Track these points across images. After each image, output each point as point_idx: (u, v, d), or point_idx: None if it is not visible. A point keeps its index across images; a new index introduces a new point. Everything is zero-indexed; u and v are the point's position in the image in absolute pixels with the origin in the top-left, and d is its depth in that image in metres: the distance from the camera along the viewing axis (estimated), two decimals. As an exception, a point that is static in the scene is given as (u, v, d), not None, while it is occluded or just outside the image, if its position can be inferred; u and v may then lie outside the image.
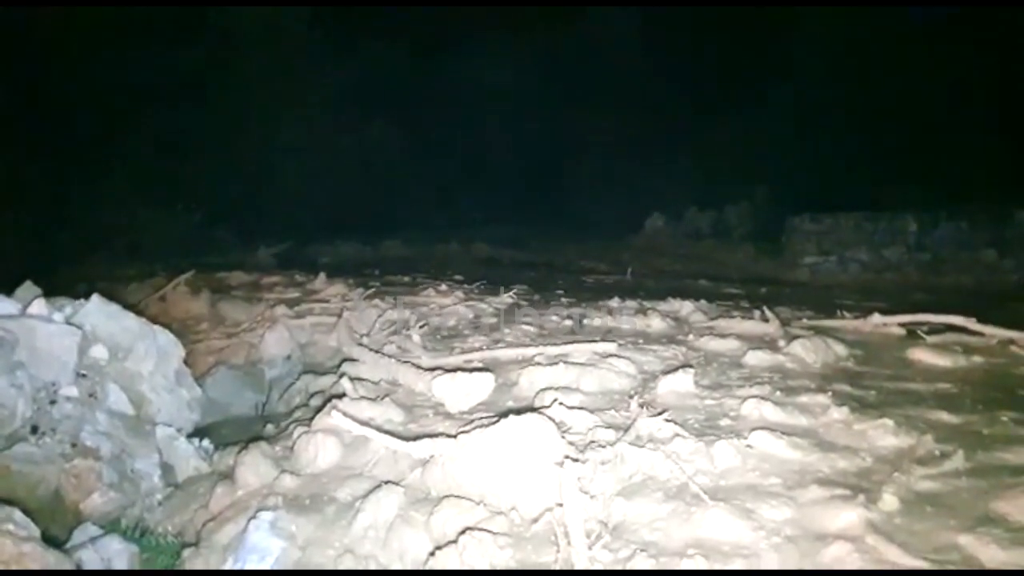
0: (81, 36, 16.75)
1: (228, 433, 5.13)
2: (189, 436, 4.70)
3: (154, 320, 5.24)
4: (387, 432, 3.73)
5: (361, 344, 5.37)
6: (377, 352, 5.00)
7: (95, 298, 4.77)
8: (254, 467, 3.86)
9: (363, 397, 4.31)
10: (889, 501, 2.51)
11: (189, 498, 4.11)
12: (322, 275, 7.96)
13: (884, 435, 3.13)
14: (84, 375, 4.30)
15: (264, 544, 3.16)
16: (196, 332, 6.64)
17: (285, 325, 6.32)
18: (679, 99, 23.53)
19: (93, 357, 4.44)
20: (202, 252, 13.70)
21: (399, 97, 25.94)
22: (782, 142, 19.59)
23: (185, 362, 5.24)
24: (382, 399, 4.27)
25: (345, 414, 3.73)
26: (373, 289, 7.12)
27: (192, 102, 19.01)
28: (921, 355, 4.48)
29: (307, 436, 3.96)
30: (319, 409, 4.23)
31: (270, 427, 4.82)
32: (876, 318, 5.29)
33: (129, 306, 5.15)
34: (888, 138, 18.05)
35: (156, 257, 12.77)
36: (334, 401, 4.08)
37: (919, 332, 4.94)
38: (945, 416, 3.35)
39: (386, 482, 3.45)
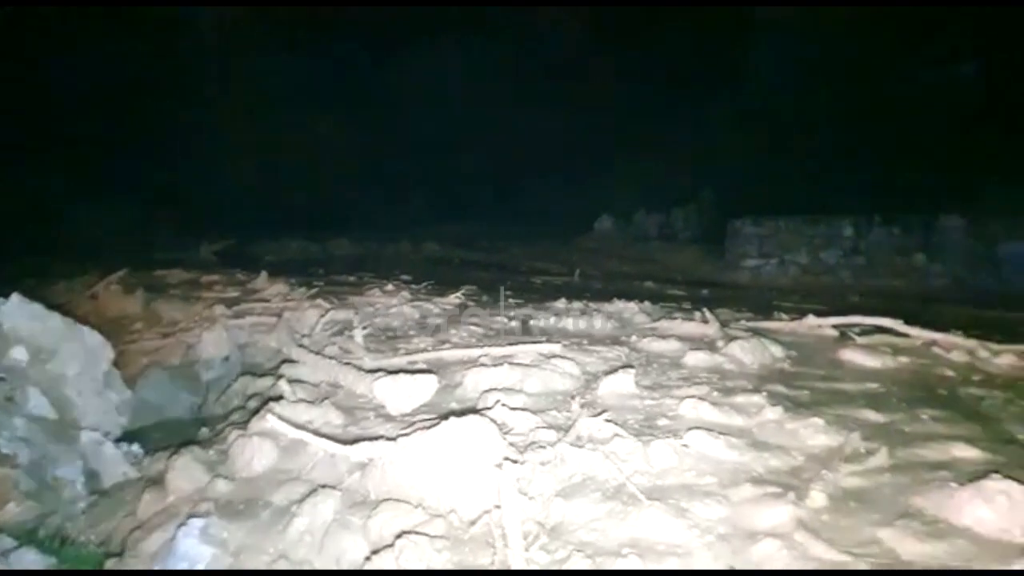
0: (23, 33, 16.10)
1: (161, 437, 4.97)
2: (118, 441, 4.54)
3: (84, 320, 5.04)
4: (326, 435, 3.67)
5: (302, 345, 5.27)
6: (318, 353, 4.91)
7: (15, 297, 4.56)
8: (186, 472, 3.75)
9: (302, 399, 4.23)
10: (817, 498, 2.57)
11: (115, 505, 3.96)
12: (263, 274, 7.80)
13: (815, 434, 3.21)
14: (2, 378, 4.10)
15: (194, 552, 3.07)
16: (129, 332, 6.42)
17: (224, 325, 6.16)
18: (629, 103, 23.85)
19: (13, 359, 4.25)
20: (141, 249, 13.29)
21: (350, 94, 25.65)
22: (727, 147, 20.02)
23: (116, 364, 5.05)
24: (321, 401, 4.20)
25: (281, 417, 3.65)
26: (317, 289, 7.01)
27: (136, 97, 18.45)
28: (852, 356, 4.62)
29: (243, 439, 3.86)
30: (256, 412, 4.13)
31: (205, 430, 4.69)
32: (811, 320, 5.45)
33: (56, 305, 4.94)
34: (827, 145, 18.62)
35: (91, 254, 12.33)
36: (271, 404, 3.99)
37: (850, 334, 5.10)
38: (872, 415, 3.46)
39: (324, 486, 3.38)
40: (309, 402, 4.16)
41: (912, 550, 2.22)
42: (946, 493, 2.50)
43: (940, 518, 2.39)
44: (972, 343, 4.84)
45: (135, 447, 4.54)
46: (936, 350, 4.81)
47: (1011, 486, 2.38)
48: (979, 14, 18.35)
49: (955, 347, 4.83)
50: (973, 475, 2.55)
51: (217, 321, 6.20)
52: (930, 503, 2.46)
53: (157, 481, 3.89)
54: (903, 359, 4.59)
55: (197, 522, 3.21)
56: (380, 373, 4.27)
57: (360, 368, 4.50)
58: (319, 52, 23.87)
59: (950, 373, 4.37)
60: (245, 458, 3.78)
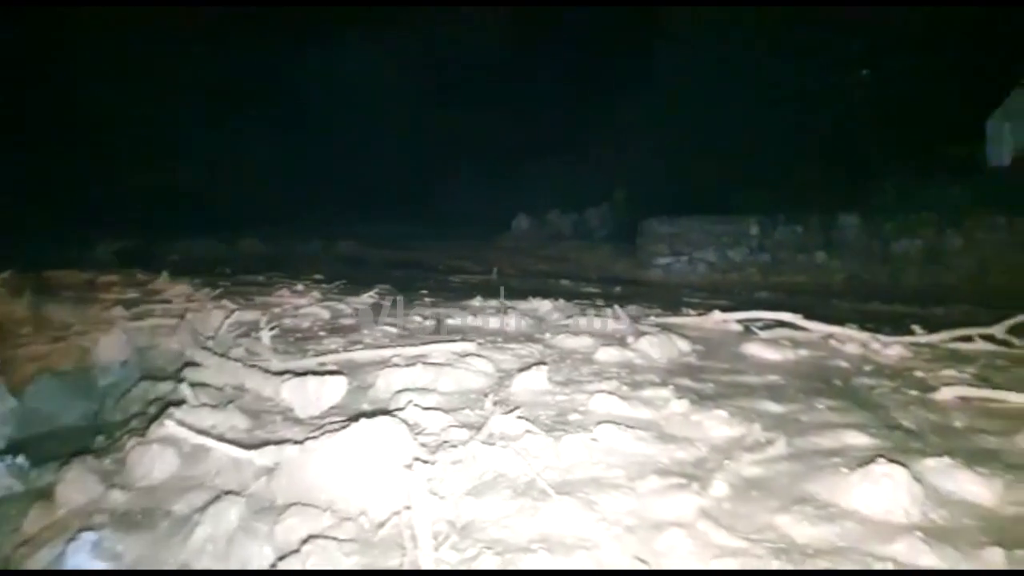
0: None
1: (51, 447, 4.66)
2: (1, 453, 4.23)
3: (-38, 325, 4.69)
4: (231, 440, 3.54)
5: (206, 347, 5.07)
6: (223, 356, 4.74)
7: None
8: (78, 483, 3.54)
9: (205, 404, 4.07)
10: (719, 487, 2.66)
11: (-1, 521, 3.70)
12: (165, 274, 7.46)
13: (718, 425, 3.33)
14: None
15: (85, 567, 2.89)
16: (16, 337, 6.01)
17: (122, 328, 5.86)
18: (545, 104, 24.12)
19: None
20: (33, 249, 12.48)
21: (263, 92, 24.92)
22: (639, 148, 20.54)
23: (-1, 371, 4.73)
24: (226, 405, 4.05)
25: (182, 423, 3.50)
26: (222, 289, 6.77)
27: (35, 91, 17.32)
28: (754, 349, 4.82)
29: (141, 447, 3.68)
30: (156, 418, 3.94)
31: (101, 439, 4.44)
32: (717, 315, 5.64)
33: (-70, 309, 4.57)
34: (735, 146, 19.37)
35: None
36: (171, 409, 3.82)
37: (753, 328, 5.32)
38: (772, 406, 3.61)
39: (228, 492, 3.26)
40: (213, 406, 4.01)
41: (806, 533, 2.32)
42: (837, 478, 2.63)
43: (832, 502, 2.51)
44: (865, 336, 5.14)
45: (20, 459, 4.24)
46: (833, 343, 5.08)
47: (895, 469, 2.52)
48: (874, 23, 19.47)
49: (850, 340, 5.12)
50: (862, 460, 2.69)
51: (115, 324, 5.89)
52: (823, 488, 2.59)
53: (46, 494, 3.65)
54: (802, 352, 4.82)
55: (89, 536, 3.03)
56: (288, 375, 4.16)
57: (267, 370, 4.36)
58: (231, 47, 23.06)
59: (845, 364, 4.62)
60: (144, 466, 3.60)
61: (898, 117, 19.75)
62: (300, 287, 6.98)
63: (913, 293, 11.44)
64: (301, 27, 24.89)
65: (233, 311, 5.87)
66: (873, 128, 19.33)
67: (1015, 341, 5.25)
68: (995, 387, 3.90)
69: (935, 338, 5.25)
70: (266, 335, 5.09)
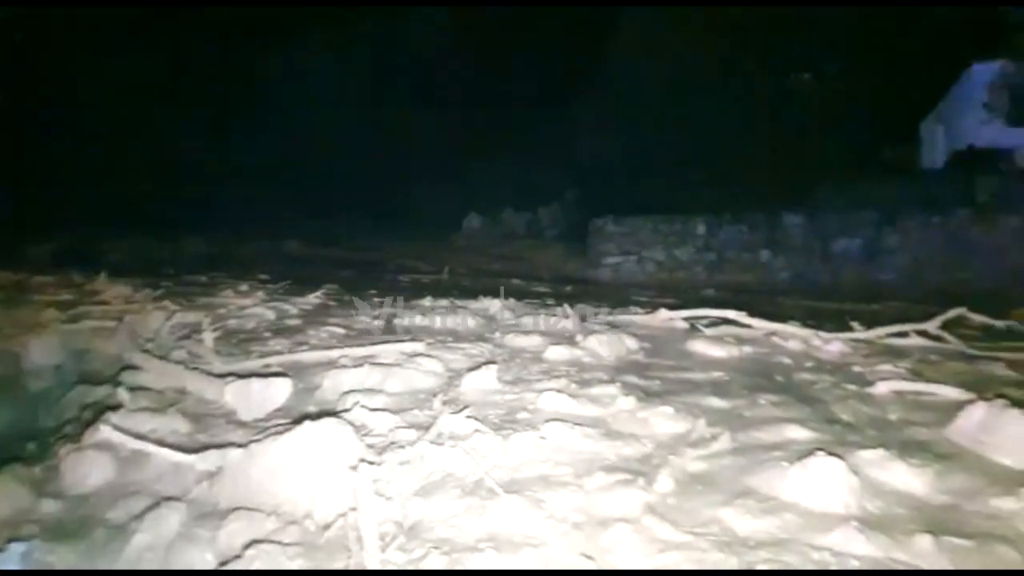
0: None
1: (-23, 457, 4.46)
2: (-77, 464, 4.02)
3: None
4: (171, 445, 3.45)
5: (146, 350, 4.92)
6: (163, 359, 4.60)
7: None
8: (6, 493, 3.38)
9: (144, 408, 3.95)
10: (664, 483, 2.70)
11: (-81, 537, 3.52)
12: (103, 274, 7.21)
13: (664, 421, 3.37)
14: None
15: (14, 580, 2.78)
16: (-61, 342, 5.72)
17: (56, 331, 5.63)
18: (498, 103, 24.13)
19: None
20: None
21: (211, 90, 24.32)
22: (591, 148, 20.73)
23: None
24: (166, 409, 3.94)
25: (118, 427, 3.39)
26: (164, 290, 6.57)
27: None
28: (700, 347, 4.90)
29: (75, 454, 3.54)
30: (92, 423, 3.81)
31: (32, 446, 4.26)
32: (663, 313, 5.73)
33: None
34: (683, 147, 19.71)
35: None
36: (108, 414, 3.69)
37: (699, 326, 5.41)
38: (717, 402, 3.67)
39: (168, 498, 3.17)
40: (152, 410, 3.89)
41: (748, 526, 2.37)
42: (778, 472, 2.69)
43: (772, 495, 2.57)
44: (806, 332, 5.28)
45: (-57, 470, 4.04)
46: (775, 340, 5.21)
47: (833, 462, 2.59)
48: (817, 29, 20.03)
49: (792, 336, 5.25)
50: (802, 454, 2.76)
51: (48, 327, 5.66)
52: (764, 482, 2.64)
53: (-29, 506, 3.48)
54: (746, 349, 4.92)
55: (17, 547, 2.91)
56: (231, 378, 4.07)
57: (210, 373, 4.25)
58: (177, 44, 22.44)
59: (787, 361, 4.74)
60: (78, 474, 3.47)
61: (839, 119, 20.38)
62: (245, 287, 6.83)
63: (853, 290, 11.81)
64: (248, 25, 24.36)
65: (174, 312, 5.70)
66: (816, 130, 19.89)
67: (947, 336, 5.46)
68: (927, 381, 4.05)
69: (872, 334, 5.43)
70: (209, 337, 4.96)
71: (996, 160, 19.98)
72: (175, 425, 3.71)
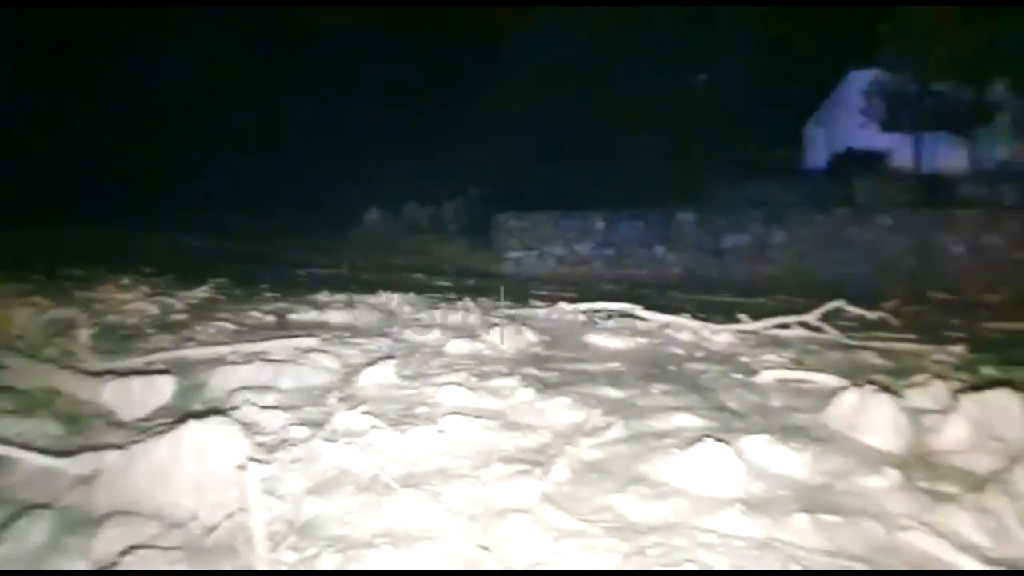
0: None
1: None
2: None
3: None
4: (40, 448, 3.20)
5: (13, 348, 4.55)
6: (32, 357, 4.27)
7: None
8: None
9: (10, 410, 3.65)
10: (560, 472, 2.73)
11: None
12: (-37, 268, 6.62)
13: (561, 412, 3.41)
14: None
15: None
16: None
17: (-94, 329, 5.12)
18: (401, 97, 23.83)
19: None
20: None
21: (102, 76, 22.76)
22: (494, 144, 20.80)
23: None
24: (36, 411, 3.66)
25: (-23, 432, 3.11)
26: (35, 284, 6.10)
27: None
28: (597, 339, 5.01)
29: (-73, 463, 3.23)
30: (-53, 429, 3.48)
31: None
32: (563, 306, 5.81)
33: None
34: (583, 145, 20.08)
35: None
36: (-34, 418, 3.39)
37: (596, 318, 5.53)
38: (612, 391, 3.76)
39: (35, 506, 2.94)
40: (19, 412, 3.60)
41: (640, 512, 2.43)
42: (669, 458, 2.77)
43: (663, 481, 2.64)
44: (697, 324, 5.50)
45: None
46: (668, 331, 5.39)
47: (720, 448, 2.70)
48: (713, 33, 20.86)
49: (683, 328, 5.45)
50: (691, 440, 2.85)
51: None
52: (655, 468, 2.72)
53: None
54: (641, 340, 5.07)
55: None
56: (110, 376, 3.82)
57: (85, 371, 3.98)
58: (60, 23, 20.89)
59: (679, 351, 4.91)
60: (-69, 484, 3.16)
61: (730, 121, 21.33)
62: (126, 281, 6.43)
63: (741, 284, 12.39)
64: (143, 10, 23.01)
65: (47, 308, 5.30)
66: (708, 130, 20.74)
67: (825, 327, 5.82)
68: (807, 369, 4.29)
69: (758, 325, 5.72)
70: (84, 333, 4.64)
71: (871, 162, 21.51)
72: (46, 428, 3.45)
